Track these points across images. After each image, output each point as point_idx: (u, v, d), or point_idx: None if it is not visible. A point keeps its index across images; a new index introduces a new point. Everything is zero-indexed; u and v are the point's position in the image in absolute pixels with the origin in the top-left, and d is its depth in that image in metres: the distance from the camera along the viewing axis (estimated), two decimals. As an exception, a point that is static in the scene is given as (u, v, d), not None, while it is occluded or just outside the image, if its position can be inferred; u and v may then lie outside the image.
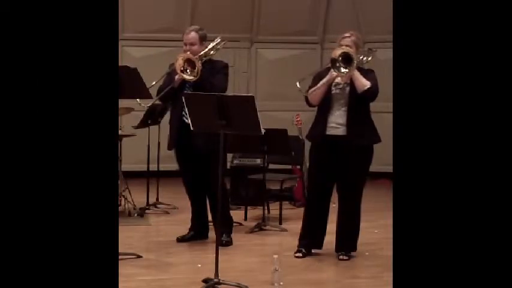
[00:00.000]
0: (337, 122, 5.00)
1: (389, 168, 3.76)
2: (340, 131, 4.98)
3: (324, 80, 4.97)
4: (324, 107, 5.03)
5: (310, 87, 5.08)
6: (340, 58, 4.82)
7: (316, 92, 4.99)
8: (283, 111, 8.67)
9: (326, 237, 5.22)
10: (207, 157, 5.28)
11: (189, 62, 5.23)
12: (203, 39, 5.45)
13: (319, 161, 5.10)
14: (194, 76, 5.18)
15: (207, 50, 5.41)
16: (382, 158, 8.72)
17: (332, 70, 4.88)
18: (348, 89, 4.98)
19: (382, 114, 9.04)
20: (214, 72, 5.38)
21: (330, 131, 5.02)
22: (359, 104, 4.97)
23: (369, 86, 4.88)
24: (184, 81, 5.29)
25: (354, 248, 5.16)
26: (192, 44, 5.39)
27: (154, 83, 5.46)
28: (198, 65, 5.18)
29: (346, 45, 4.93)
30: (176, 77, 5.30)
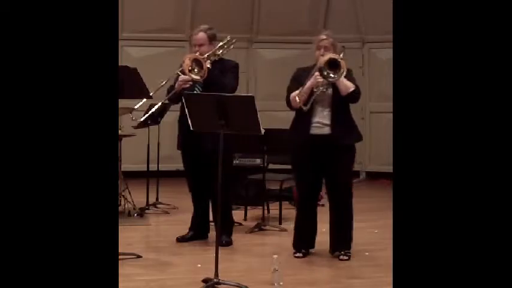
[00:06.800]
0: (321, 122, 5.01)
1: (390, 168, 3.77)
2: (325, 130, 5.00)
3: (309, 85, 4.94)
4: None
5: (289, 89, 5.08)
6: (326, 65, 4.83)
7: (301, 98, 4.96)
8: (283, 111, 8.62)
9: (324, 237, 5.22)
10: (214, 158, 5.27)
11: (197, 62, 5.22)
12: (212, 39, 5.42)
13: (305, 161, 5.08)
14: (201, 76, 5.17)
15: (215, 49, 5.39)
16: (382, 158, 8.77)
17: (316, 75, 4.88)
18: (330, 90, 5.00)
19: (382, 114, 9.11)
20: (224, 71, 5.37)
21: (314, 131, 5.02)
22: (341, 104, 5.01)
23: (353, 89, 4.93)
24: (194, 82, 5.27)
25: (349, 247, 5.15)
26: (200, 45, 5.37)
27: (164, 82, 5.45)
28: (205, 64, 5.18)
29: (325, 47, 4.97)
30: (180, 77, 5.28)
